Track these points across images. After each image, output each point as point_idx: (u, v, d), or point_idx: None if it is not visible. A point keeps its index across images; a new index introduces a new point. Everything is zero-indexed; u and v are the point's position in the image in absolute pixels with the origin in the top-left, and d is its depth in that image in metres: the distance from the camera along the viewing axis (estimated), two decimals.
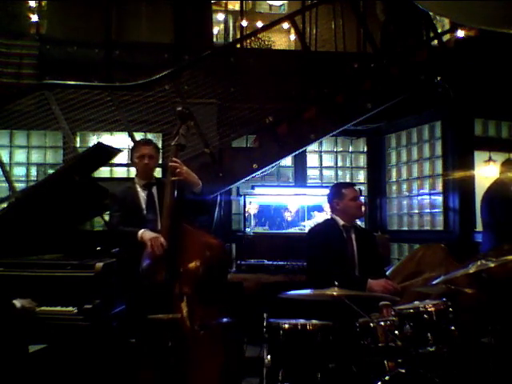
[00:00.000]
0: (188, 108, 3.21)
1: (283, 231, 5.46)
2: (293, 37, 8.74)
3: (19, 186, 5.51)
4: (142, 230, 3.01)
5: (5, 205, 4.58)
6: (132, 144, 5.25)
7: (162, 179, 3.43)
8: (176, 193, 2.99)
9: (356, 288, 2.70)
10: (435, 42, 5.68)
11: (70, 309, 2.93)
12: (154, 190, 3.30)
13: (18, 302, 2.51)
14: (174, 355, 2.68)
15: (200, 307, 2.81)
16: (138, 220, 3.16)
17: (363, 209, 3.55)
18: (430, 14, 5.38)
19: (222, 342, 2.82)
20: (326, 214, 5.17)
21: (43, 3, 6.99)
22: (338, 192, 3.37)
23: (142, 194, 3.29)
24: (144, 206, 3.25)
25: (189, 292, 2.82)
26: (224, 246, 3.07)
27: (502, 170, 5.07)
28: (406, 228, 6.57)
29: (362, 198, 5.53)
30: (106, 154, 3.81)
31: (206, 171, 5.17)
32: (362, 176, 6.97)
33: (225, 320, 2.88)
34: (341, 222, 3.33)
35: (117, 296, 3.21)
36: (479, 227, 5.37)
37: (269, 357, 2.51)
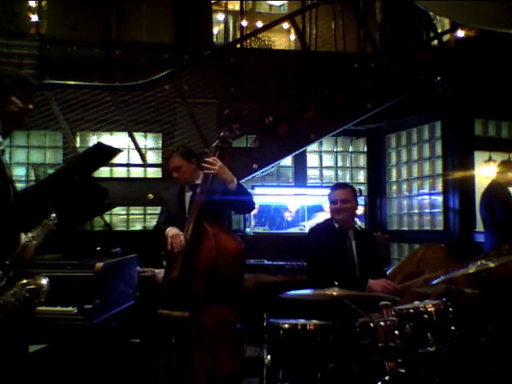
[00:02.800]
0: (236, 110, 3.22)
1: (283, 231, 5.46)
2: (293, 37, 8.75)
3: (19, 186, 5.50)
4: (170, 227, 3.04)
5: None
6: (132, 144, 5.26)
7: None
8: (209, 187, 3.01)
9: (356, 288, 2.70)
10: (435, 42, 5.68)
11: (70, 309, 2.93)
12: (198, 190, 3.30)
13: None
14: (177, 352, 2.69)
15: (208, 308, 2.82)
16: (182, 221, 3.15)
17: (344, 213, 3.27)
18: (430, 13, 5.38)
19: (226, 344, 2.82)
20: (326, 214, 5.18)
21: (43, 3, 7.00)
22: (328, 195, 3.38)
23: (188, 197, 3.29)
24: (187, 207, 3.25)
25: (200, 292, 2.83)
26: (243, 250, 3.04)
27: (498, 171, 5.10)
28: (406, 228, 6.57)
29: (362, 198, 5.57)
30: (106, 154, 3.80)
31: None
32: (362, 176, 6.98)
33: (232, 323, 2.89)
34: (336, 223, 3.32)
35: (117, 296, 3.22)
36: (479, 227, 5.38)
37: (269, 357, 2.51)
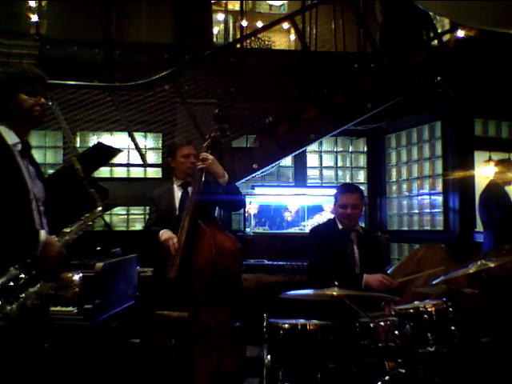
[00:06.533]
0: (225, 110, 3.23)
1: (283, 231, 5.46)
2: (293, 37, 8.74)
3: None
4: (164, 230, 3.06)
5: None
6: (132, 144, 5.26)
7: None
8: (202, 186, 3.03)
9: (353, 283, 2.70)
10: (435, 42, 5.68)
11: (70, 309, 2.93)
12: (190, 189, 3.29)
13: None
14: (176, 353, 2.69)
15: (208, 307, 2.82)
16: (172, 220, 3.18)
17: (353, 218, 3.27)
18: (430, 13, 5.38)
19: (226, 344, 2.82)
20: (327, 214, 5.18)
21: (43, 3, 6.99)
22: (335, 195, 3.35)
23: (178, 194, 3.32)
24: (177, 205, 3.27)
25: (199, 291, 2.83)
26: (240, 248, 3.04)
27: (496, 171, 5.10)
28: (406, 228, 6.57)
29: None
30: (106, 154, 3.81)
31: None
32: (362, 176, 6.97)
33: (231, 323, 2.89)
34: (340, 225, 3.31)
35: (117, 296, 3.22)
36: (479, 227, 5.38)
37: (269, 357, 2.51)
